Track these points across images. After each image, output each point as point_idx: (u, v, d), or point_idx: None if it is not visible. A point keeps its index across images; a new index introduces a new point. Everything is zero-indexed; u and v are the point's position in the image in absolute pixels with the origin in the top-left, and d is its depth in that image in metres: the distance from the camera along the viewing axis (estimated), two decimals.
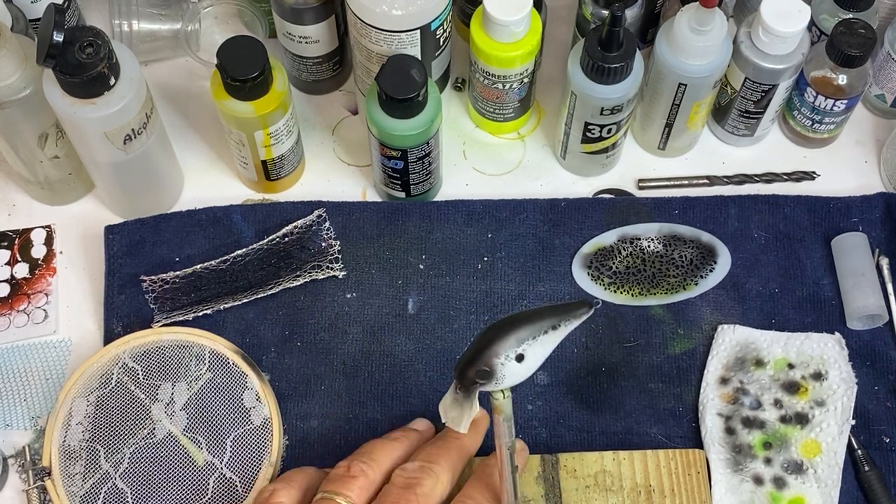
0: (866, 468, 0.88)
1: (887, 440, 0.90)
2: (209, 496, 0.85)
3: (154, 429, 0.87)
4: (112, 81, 0.84)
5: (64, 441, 0.87)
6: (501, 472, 0.73)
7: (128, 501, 0.85)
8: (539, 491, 0.85)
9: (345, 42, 1.00)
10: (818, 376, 0.90)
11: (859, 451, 0.88)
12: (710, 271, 0.95)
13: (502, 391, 0.67)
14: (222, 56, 0.87)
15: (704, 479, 0.86)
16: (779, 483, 0.87)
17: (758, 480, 0.87)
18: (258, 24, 1.04)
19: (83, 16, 1.04)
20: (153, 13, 1.03)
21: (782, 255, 0.96)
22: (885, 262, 0.95)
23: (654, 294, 0.94)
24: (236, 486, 0.86)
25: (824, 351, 0.91)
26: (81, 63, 0.82)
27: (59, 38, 0.80)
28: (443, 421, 0.68)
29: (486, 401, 0.70)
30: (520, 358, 0.65)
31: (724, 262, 0.95)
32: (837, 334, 0.92)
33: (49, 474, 0.86)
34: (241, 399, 0.88)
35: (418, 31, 0.89)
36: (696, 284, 0.95)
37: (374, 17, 0.88)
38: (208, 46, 1.06)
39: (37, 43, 0.81)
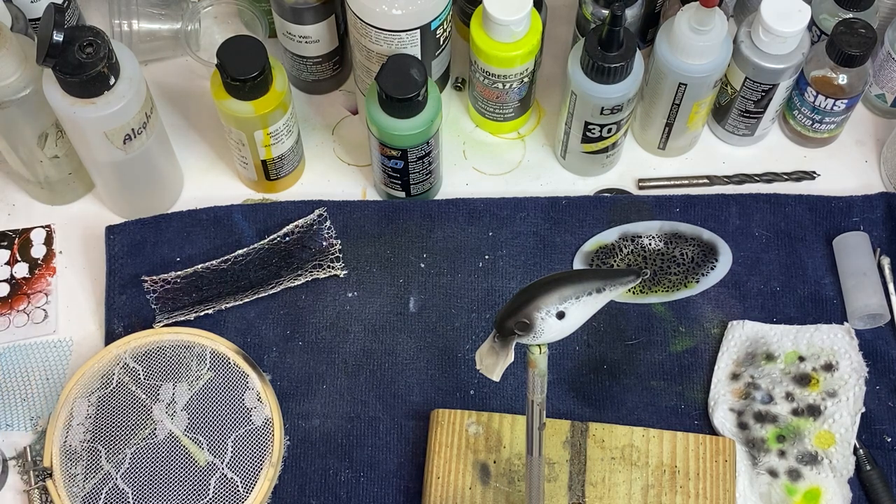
0: (868, 467, 0.88)
1: (889, 439, 0.90)
2: (210, 496, 0.85)
3: (155, 429, 0.87)
4: (112, 81, 0.84)
5: (65, 441, 0.87)
6: (528, 427, 0.73)
7: (129, 502, 0.85)
8: (564, 455, 0.86)
9: (345, 42, 1.00)
10: (829, 367, 0.90)
11: (861, 451, 0.88)
12: (712, 269, 0.95)
13: (539, 346, 0.67)
14: (222, 56, 0.87)
15: (732, 468, 0.86)
16: (793, 475, 0.87)
17: (773, 473, 0.87)
18: (258, 23, 1.04)
19: (83, 16, 1.04)
20: (153, 13, 1.03)
21: (783, 253, 0.96)
22: (886, 261, 0.95)
23: (656, 292, 0.94)
24: (237, 486, 0.85)
25: (834, 342, 0.91)
26: (81, 63, 0.81)
27: (59, 37, 0.80)
28: (477, 367, 0.68)
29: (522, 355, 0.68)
30: (560, 315, 0.65)
31: (725, 261, 0.96)
32: (847, 324, 0.92)
33: (50, 475, 0.86)
34: (243, 399, 0.88)
35: (418, 30, 0.89)
36: (698, 282, 0.95)
37: (374, 16, 0.88)
38: (208, 46, 1.06)
39: (37, 43, 0.81)
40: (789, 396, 0.90)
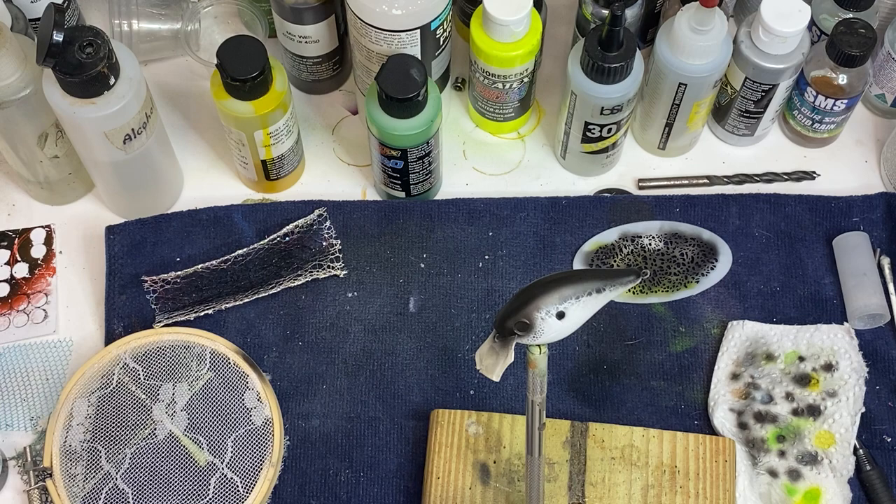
0: (868, 467, 0.88)
1: (889, 439, 0.90)
2: (210, 496, 0.85)
3: (155, 429, 0.87)
4: (112, 81, 0.84)
5: (65, 441, 0.87)
6: (528, 427, 0.73)
7: (129, 502, 0.85)
8: (564, 455, 0.86)
9: (345, 42, 1.00)
10: (829, 367, 0.90)
11: (861, 451, 0.88)
12: (712, 269, 0.95)
13: (539, 346, 0.67)
14: (222, 56, 0.87)
15: (731, 468, 0.86)
16: (793, 475, 0.87)
17: (773, 473, 0.87)
18: (258, 23, 1.04)
19: (83, 16, 1.04)
20: (153, 13, 1.03)
21: (783, 253, 0.96)
22: (886, 261, 0.95)
23: (656, 292, 0.94)
24: (237, 486, 0.85)
25: (834, 342, 0.91)
26: (81, 63, 0.81)
27: (58, 37, 0.80)
28: (477, 368, 0.68)
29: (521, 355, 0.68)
30: (560, 315, 0.65)
31: (725, 261, 0.96)
32: (846, 324, 0.92)
33: (50, 475, 0.86)
34: (243, 399, 0.88)
35: (418, 30, 0.89)
36: (698, 282, 0.95)
37: (373, 16, 0.88)
38: (208, 46, 1.06)
39: (37, 43, 0.81)
40: (789, 396, 0.90)
